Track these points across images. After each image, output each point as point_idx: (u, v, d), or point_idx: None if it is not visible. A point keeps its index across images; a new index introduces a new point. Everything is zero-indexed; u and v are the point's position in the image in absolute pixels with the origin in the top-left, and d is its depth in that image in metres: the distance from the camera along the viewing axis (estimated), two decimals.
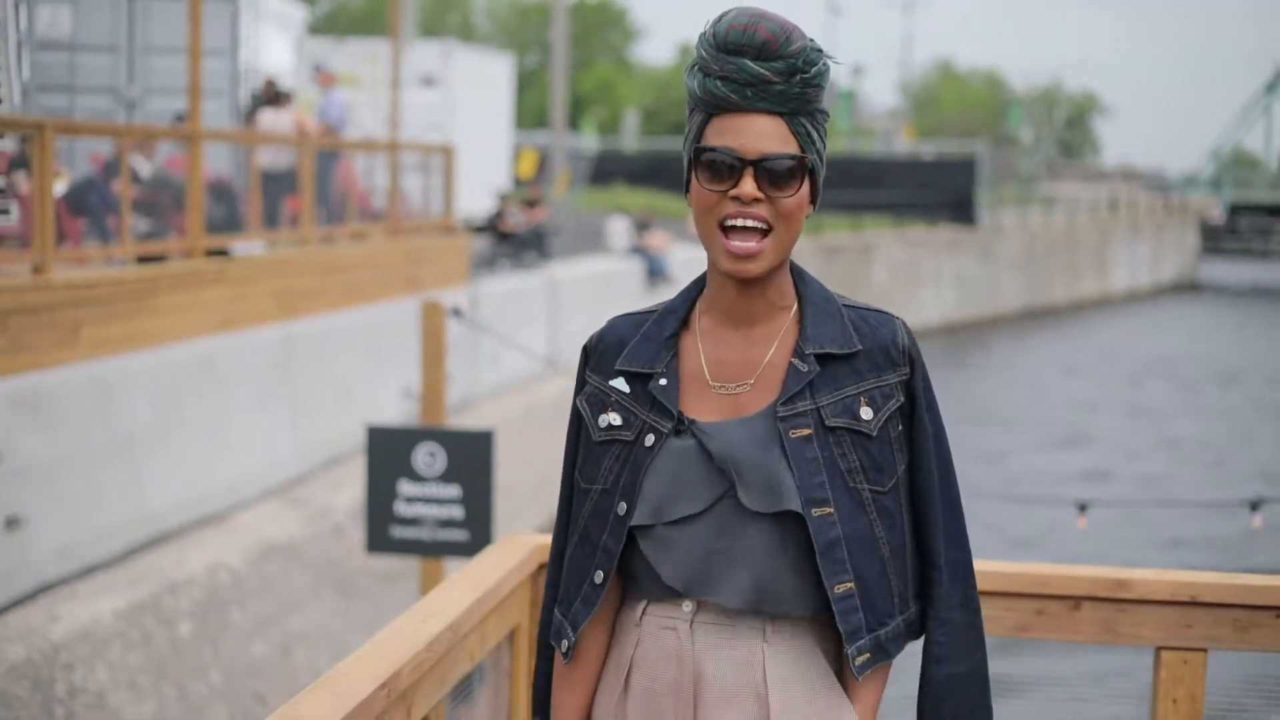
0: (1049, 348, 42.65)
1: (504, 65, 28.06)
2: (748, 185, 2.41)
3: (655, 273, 28.28)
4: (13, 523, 11.05)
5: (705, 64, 2.46)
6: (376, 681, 2.36)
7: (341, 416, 16.39)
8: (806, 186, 2.48)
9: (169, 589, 11.84)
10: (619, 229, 29.66)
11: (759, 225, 2.43)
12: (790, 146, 2.44)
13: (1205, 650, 3.22)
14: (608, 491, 2.53)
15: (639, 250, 28.70)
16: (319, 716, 2.17)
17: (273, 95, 17.36)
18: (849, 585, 2.45)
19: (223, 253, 14.52)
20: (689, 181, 2.50)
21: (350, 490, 15.17)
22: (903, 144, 71.98)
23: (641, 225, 29.81)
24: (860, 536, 2.46)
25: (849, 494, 2.47)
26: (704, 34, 2.48)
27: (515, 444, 17.25)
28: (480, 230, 25.69)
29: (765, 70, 2.42)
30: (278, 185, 16.54)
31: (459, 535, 8.31)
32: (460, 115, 24.86)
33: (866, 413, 2.49)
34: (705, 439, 2.47)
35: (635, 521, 2.48)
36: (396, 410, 17.76)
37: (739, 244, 2.41)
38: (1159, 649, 3.23)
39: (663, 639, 2.50)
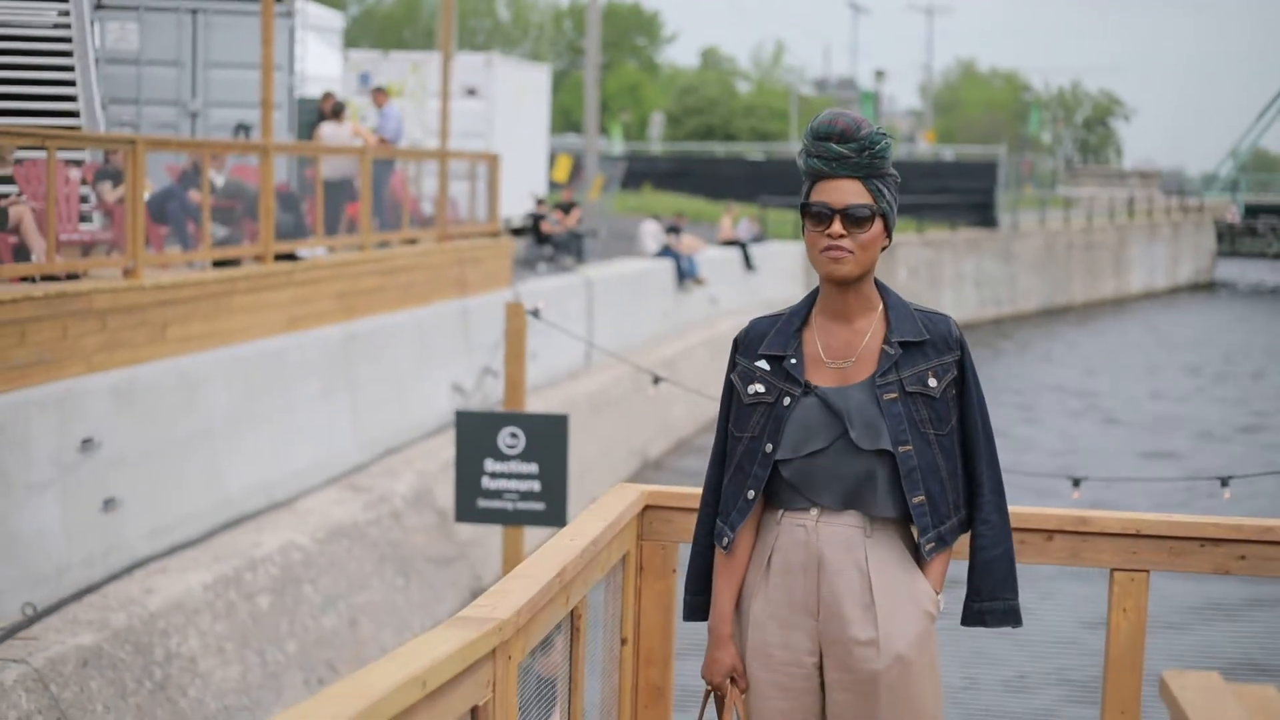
0: (1067, 343, 43.68)
1: (542, 75, 29.11)
2: (836, 226, 3.61)
3: (686, 274, 29.29)
4: (110, 504, 12.14)
5: (807, 148, 3.67)
6: (552, 573, 3.39)
7: (397, 410, 17.47)
8: (879, 226, 3.65)
9: (249, 566, 12.92)
10: (650, 232, 30.66)
11: (846, 252, 3.60)
12: (865, 199, 3.61)
13: (1148, 571, 4.26)
14: (755, 438, 3.70)
15: (669, 252, 29.71)
16: (522, 592, 3.21)
17: (333, 109, 18.40)
18: (921, 498, 3.63)
19: (291, 257, 15.58)
20: (805, 226, 3.69)
21: (407, 479, 16.24)
22: (924, 147, 72.85)
23: (672, 229, 30.81)
24: (928, 465, 3.65)
25: (920, 437, 3.64)
26: (806, 129, 3.69)
27: None
28: (519, 232, 26.73)
29: (844, 150, 3.61)
30: (336, 193, 17.59)
31: (537, 506, 9.44)
32: (499, 123, 25.90)
33: (932, 383, 3.67)
34: (828, 398, 3.65)
35: (779, 456, 3.65)
36: (446, 404, 18.83)
37: (833, 253, 3.60)
38: (1112, 570, 4.27)
39: (795, 533, 3.67)
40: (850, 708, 3.65)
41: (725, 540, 3.74)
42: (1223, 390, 35.04)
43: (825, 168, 3.62)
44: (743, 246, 34.34)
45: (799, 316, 3.77)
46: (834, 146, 3.61)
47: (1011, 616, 3.78)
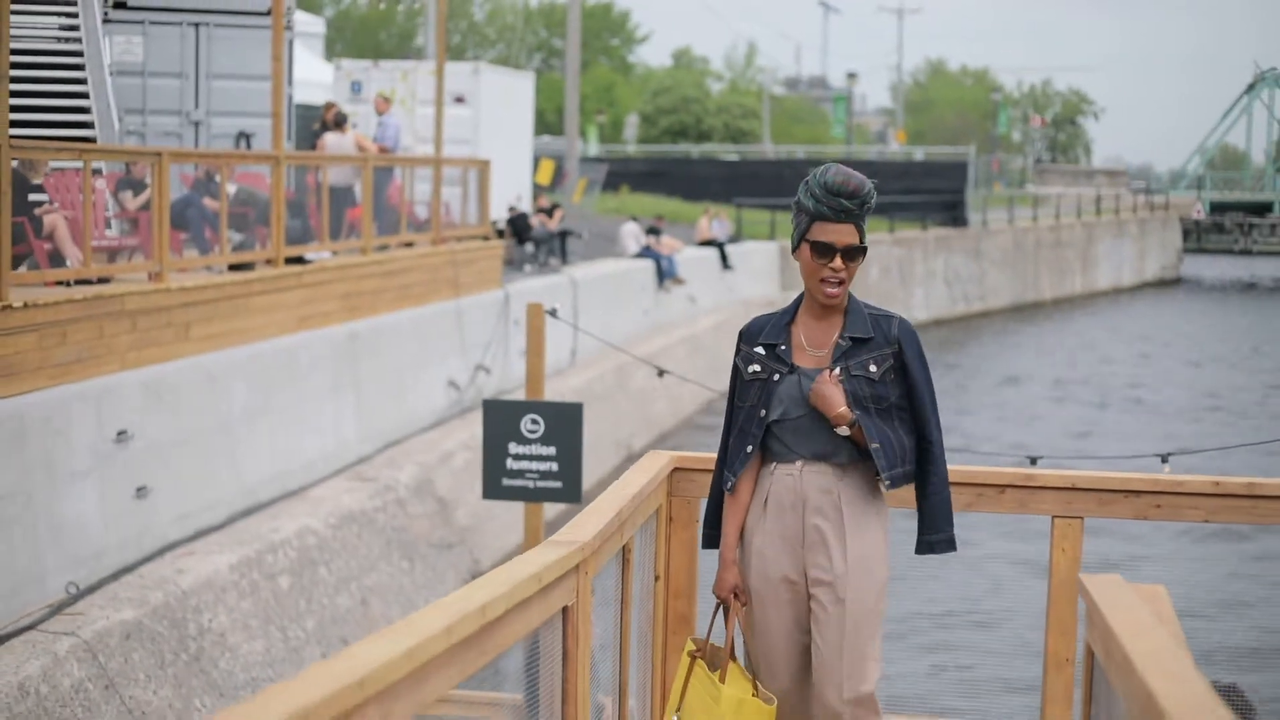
0: (1035, 337, 44.87)
1: (526, 83, 30.03)
2: (838, 262, 4.62)
3: (666, 274, 30.27)
4: (142, 492, 13.05)
5: (816, 195, 4.62)
6: (614, 512, 4.35)
7: (397, 404, 18.41)
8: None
9: (269, 549, 13.84)
10: (631, 233, 31.63)
11: (841, 282, 4.59)
12: (856, 240, 4.63)
13: (1082, 518, 5.25)
14: (754, 406, 4.73)
15: (649, 252, 30.69)
16: (594, 527, 4.15)
17: (335, 119, 19.31)
18: (876, 445, 4.63)
19: (299, 260, 16.49)
20: (796, 248, 4.68)
21: (409, 469, 17.18)
22: (896, 148, 73.92)
23: (652, 230, 31.78)
24: (872, 427, 4.65)
25: (862, 407, 4.65)
26: (816, 178, 4.62)
27: None
28: (502, 234, 27.64)
29: (851, 205, 4.59)
30: (338, 199, 18.50)
31: (555, 484, 10.53)
32: (486, 129, 26.81)
33: (873, 369, 4.68)
34: (805, 377, 4.66)
35: (771, 419, 4.69)
36: (442, 400, 19.79)
37: (833, 290, 4.61)
38: (1053, 517, 5.26)
39: (786, 481, 4.69)
40: (826, 614, 4.65)
41: (730, 484, 4.77)
42: (1181, 376, 36.51)
43: (831, 214, 4.60)
44: (720, 246, 35.31)
45: (789, 314, 4.81)
46: (844, 201, 4.59)
47: (951, 545, 4.79)
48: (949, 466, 4.91)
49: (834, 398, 4.59)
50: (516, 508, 17.23)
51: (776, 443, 4.70)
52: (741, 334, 4.84)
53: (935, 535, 4.76)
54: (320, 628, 14.01)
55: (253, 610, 13.20)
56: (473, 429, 19.21)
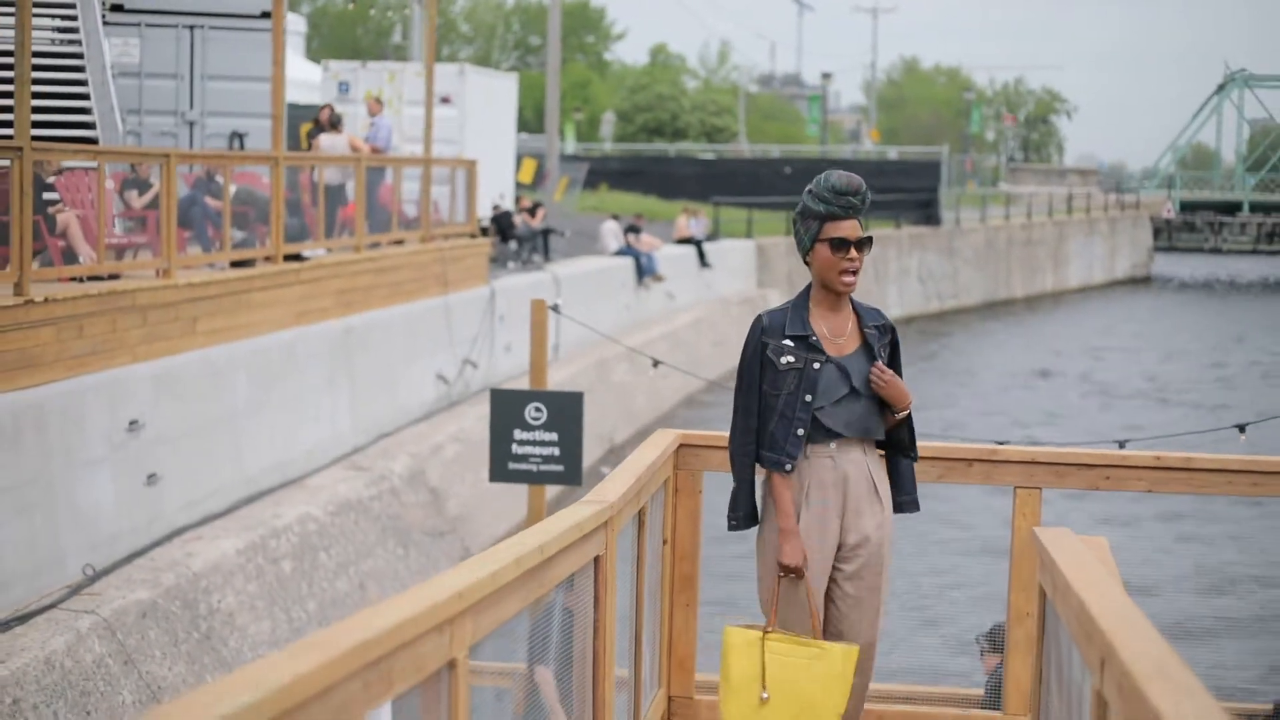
0: (1007, 332, 45.72)
1: (510, 84, 30.69)
2: (854, 252, 5.19)
3: (645, 271, 30.93)
4: (152, 479, 13.66)
5: (825, 198, 5.20)
6: (634, 478, 4.99)
7: (389, 397, 19.03)
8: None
9: (272, 535, 14.46)
10: (611, 230, 32.29)
11: (857, 268, 5.18)
12: (861, 233, 5.21)
13: (1040, 488, 5.91)
14: (793, 393, 5.19)
15: (629, 250, 31.35)
16: (618, 489, 4.78)
17: (330, 120, 19.92)
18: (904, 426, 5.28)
19: (298, 257, 17.10)
20: (809, 250, 5.24)
21: (402, 460, 17.80)
22: (870, 146, 74.65)
23: (631, 228, 32.44)
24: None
25: None
26: (821, 185, 5.21)
27: None
28: (486, 231, 28.27)
29: (856, 201, 5.17)
30: (333, 198, 19.11)
31: (557, 468, 11.21)
32: (471, 129, 27.43)
33: (883, 353, 5.30)
34: (839, 364, 5.21)
35: (815, 405, 5.19)
36: (432, 393, 20.41)
37: (850, 279, 5.19)
38: (1015, 487, 5.92)
39: (824, 461, 5.21)
40: (867, 567, 5.25)
41: (789, 465, 5.24)
42: (1147, 370, 37.50)
43: (840, 212, 5.19)
44: (698, 244, 35.98)
45: (803, 308, 5.33)
46: (850, 199, 5.18)
47: (915, 506, 5.42)
48: (920, 443, 5.59)
49: (903, 387, 5.20)
50: (505, 498, 17.89)
51: (814, 426, 5.18)
52: (764, 329, 5.28)
53: (903, 496, 5.40)
54: (321, 610, 14.63)
55: (258, 592, 13.82)
56: (461, 422, 19.86)
